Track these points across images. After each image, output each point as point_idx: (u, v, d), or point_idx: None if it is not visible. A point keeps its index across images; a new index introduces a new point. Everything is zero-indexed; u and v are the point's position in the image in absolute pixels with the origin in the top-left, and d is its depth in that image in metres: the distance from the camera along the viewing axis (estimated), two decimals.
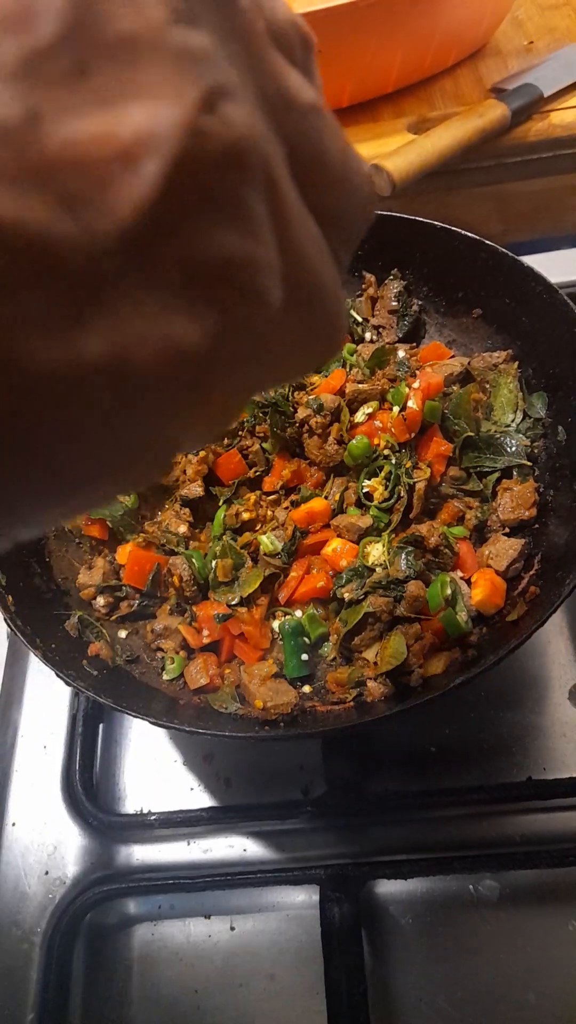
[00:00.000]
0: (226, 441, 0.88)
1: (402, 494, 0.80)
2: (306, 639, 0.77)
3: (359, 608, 0.74)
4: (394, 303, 0.94)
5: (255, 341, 0.23)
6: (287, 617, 0.78)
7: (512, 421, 0.85)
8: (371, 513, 0.81)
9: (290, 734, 0.67)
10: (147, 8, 0.20)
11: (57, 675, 0.68)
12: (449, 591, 0.73)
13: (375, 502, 0.81)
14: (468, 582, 0.77)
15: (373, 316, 0.97)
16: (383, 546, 0.77)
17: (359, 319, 0.98)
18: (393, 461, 0.81)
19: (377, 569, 0.76)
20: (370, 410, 0.84)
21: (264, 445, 0.87)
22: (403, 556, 0.75)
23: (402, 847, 0.77)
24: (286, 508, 0.84)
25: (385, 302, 0.96)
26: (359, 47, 1.08)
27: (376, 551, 0.77)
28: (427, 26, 1.11)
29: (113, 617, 0.83)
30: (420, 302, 0.96)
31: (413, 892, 0.76)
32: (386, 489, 0.81)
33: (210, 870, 0.78)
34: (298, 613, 0.79)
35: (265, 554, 0.80)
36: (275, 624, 0.79)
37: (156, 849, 0.81)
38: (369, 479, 0.82)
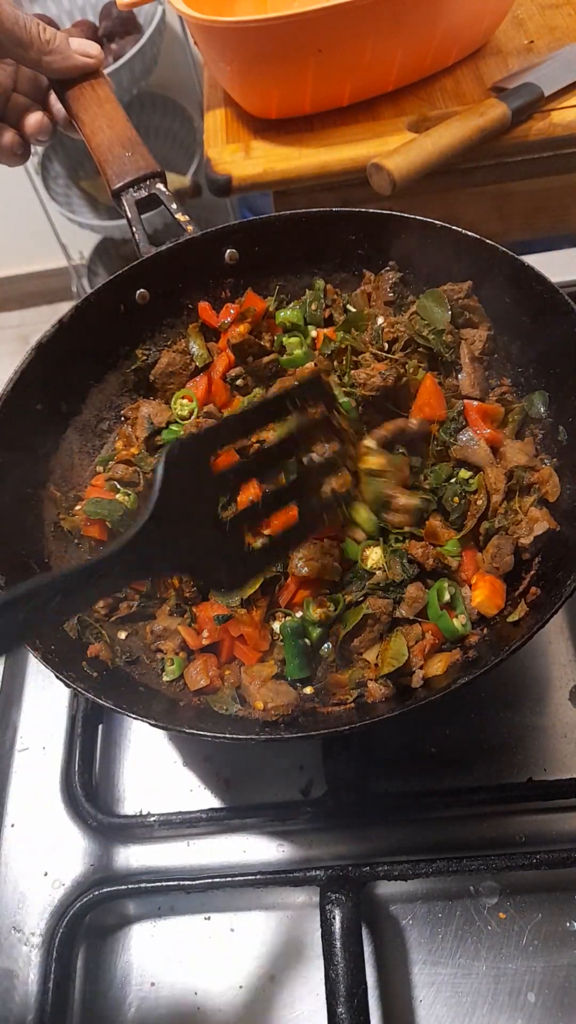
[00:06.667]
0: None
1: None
2: (307, 640, 0.76)
3: (359, 609, 0.74)
4: (390, 294, 0.92)
5: None
6: (288, 618, 0.78)
7: None
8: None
9: (290, 735, 0.66)
10: None
11: (56, 676, 0.68)
12: (448, 596, 0.73)
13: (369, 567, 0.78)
14: (468, 584, 0.77)
15: (369, 307, 0.96)
16: (381, 550, 0.77)
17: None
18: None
19: (376, 572, 0.75)
20: None
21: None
22: (400, 561, 0.75)
23: (402, 848, 0.77)
24: None
25: (381, 293, 0.93)
26: (360, 46, 1.08)
27: (375, 555, 0.77)
28: (427, 25, 1.11)
29: (113, 618, 0.82)
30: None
31: (413, 892, 0.76)
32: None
33: (210, 872, 0.78)
34: (299, 614, 0.78)
35: None
36: (276, 625, 0.78)
37: (156, 850, 0.81)
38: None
